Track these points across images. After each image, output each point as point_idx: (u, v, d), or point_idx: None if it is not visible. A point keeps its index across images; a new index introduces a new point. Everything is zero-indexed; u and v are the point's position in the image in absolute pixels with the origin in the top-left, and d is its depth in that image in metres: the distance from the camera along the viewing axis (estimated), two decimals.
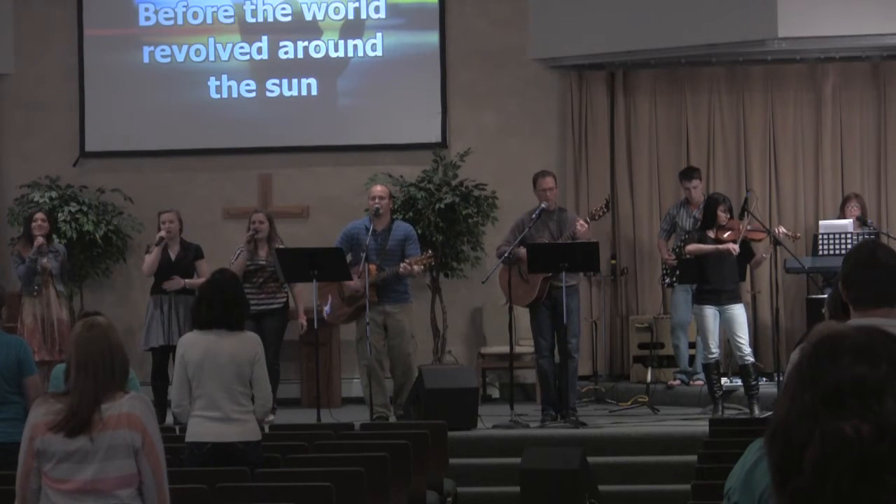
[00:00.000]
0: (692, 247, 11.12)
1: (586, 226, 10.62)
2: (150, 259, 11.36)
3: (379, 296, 10.92)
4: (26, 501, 4.83)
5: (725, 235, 10.87)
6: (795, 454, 1.60)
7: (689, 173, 12.31)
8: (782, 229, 11.31)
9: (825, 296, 11.44)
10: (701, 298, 10.98)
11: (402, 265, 10.82)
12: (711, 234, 10.96)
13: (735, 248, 10.74)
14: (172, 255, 11.40)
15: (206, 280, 7.49)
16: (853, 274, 4.32)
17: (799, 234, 11.86)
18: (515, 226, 10.95)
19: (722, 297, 10.84)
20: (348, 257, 10.97)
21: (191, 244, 11.54)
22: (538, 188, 10.94)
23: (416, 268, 10.93)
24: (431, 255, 11.29)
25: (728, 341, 11.23)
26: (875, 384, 1.60)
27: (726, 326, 10.92)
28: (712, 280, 10.85)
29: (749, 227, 11.00)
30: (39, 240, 11.30)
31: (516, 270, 10.76)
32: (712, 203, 11.07)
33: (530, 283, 10.77)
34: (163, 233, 11.36)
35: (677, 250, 11.83)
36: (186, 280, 11.26)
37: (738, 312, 10.86)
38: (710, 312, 10.86)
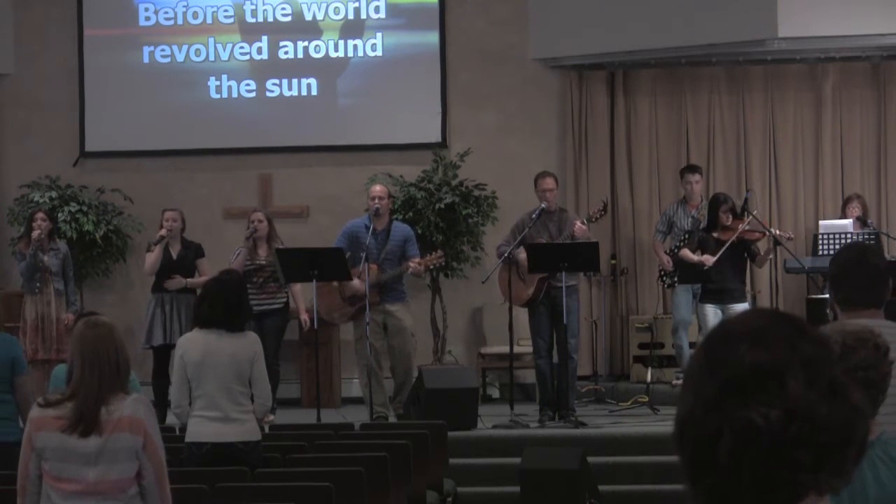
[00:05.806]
0: (683, 252, 11.23)
1: (584, 227, 10.62)
2: (152, 258, 11.36)
3: (380, 295, 10.92)
4: (26, 491, 4.91)
5: (725, 236, 10.91)
6: (707, 449, 1.60)
7: (691, 167, 12.36)
8: (776, 231, 11.32)
9: (825, 296, 11.49)
10: (704, 297, 11.00)
11: (411, 264, 10.81)
12: (716, 234, 10.97)
13: (710, 260, 10.78)
14: (174, 254, 11.41)
15: (211, 278, 7.47)
16: (841, 275, 4.31)
17: (792, 235, 11.83)
18: (515, 226, 10.96)
19: (725, 296, 10.85)
20: (347, 256, 10.96)
21: (192, 243, 11.55)
22: (538, 188, 10.96)
23: (422, 268, 10.96)
24: (442, 255, 11.28)
25: None
26: (774, 368, 1.60)
27: None
28: (715, 280, 10.87)
29: (746, 227, 11.00)
30: (36, 232, 11.31)
31: (515, 270, 10.76)
32: (715, 204, 11.09)
33: (527, 283, 10.77)
34: (163, 231, 11.37)
35: (675, 250, 11.84)
36: (188, 280, 11.28)
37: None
38: (712, 311, 10.87)
